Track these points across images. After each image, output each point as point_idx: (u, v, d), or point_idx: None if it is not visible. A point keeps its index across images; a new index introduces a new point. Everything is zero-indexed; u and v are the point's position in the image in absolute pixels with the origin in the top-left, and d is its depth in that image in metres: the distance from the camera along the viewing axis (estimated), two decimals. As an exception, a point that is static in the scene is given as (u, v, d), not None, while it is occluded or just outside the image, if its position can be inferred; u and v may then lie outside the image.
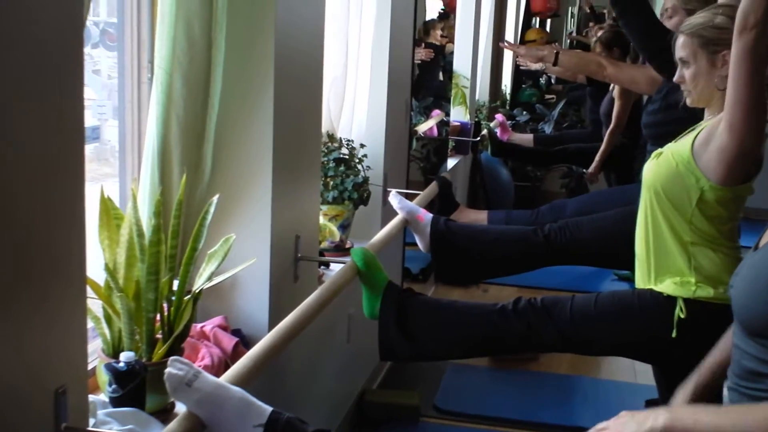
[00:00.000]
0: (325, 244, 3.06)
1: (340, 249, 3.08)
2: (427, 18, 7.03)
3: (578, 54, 5.11)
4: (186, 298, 1.90)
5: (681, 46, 2.39)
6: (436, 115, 5.31)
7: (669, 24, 3.13)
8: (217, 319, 2.26)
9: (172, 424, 1.55)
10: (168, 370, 1.60)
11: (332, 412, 3.32)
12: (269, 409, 1.66)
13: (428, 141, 5.21)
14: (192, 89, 2.07)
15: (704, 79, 2.34)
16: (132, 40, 2.20)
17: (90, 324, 1.78)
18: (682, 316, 2.25)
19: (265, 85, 2.25)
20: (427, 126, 5.09)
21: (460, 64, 6.24)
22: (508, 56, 8.43)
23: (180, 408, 1.81)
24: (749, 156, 2.19)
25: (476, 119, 6.29)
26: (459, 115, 6.03)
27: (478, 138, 6.10)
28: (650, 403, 3.56)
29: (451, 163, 5.53)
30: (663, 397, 2.63)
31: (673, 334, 2.27)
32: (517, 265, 3.17)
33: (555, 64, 3.95)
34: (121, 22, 2.19)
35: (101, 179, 2.44)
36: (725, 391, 1.68)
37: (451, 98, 5.91)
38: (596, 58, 3.99)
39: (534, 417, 3.74)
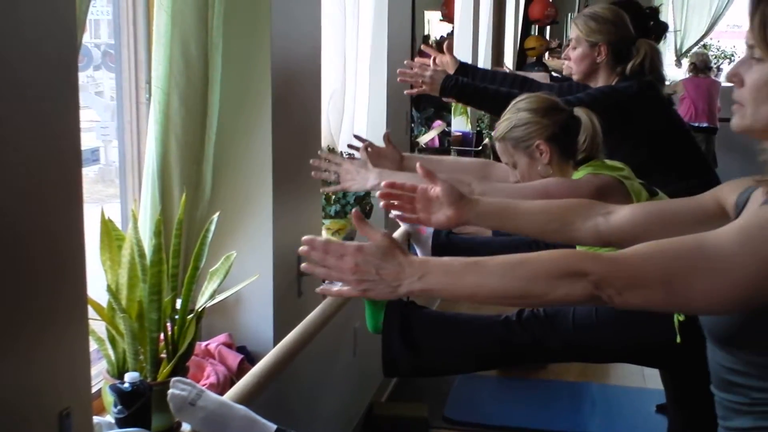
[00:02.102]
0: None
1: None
2: (432, 33, 7.06)
3: None
4: (189, 316, 1.90)
5: (500, 154, 2.55)
6: (438, 125, 5.31)
7: (572, 54, 3.14)
8: (222, 337, 2.26)
9: (177, 444, 1.55)
10: (171, 391, 1.60)
11: (341, 426, 3.32)
12: (273, 426, 1.66)
13: (430, 152, 5.21)
14: (190, 108, 2.07)
15: (530, 172, 2.48)
16: (129, 61, 2.20)
17: (94, 346, 1.79)
18: (681, 319, 2.25)
19: (262, 101, 2.26)
20: (428, 137, 5.10)
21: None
22: (508, 65, 8.43)
23: (186, 427, 1.81)
24: (609, 197, 2.23)
25: (478, 129, 6.29)
26: (460, 125, 6.03)
27: (480, 147, 6.11)
28: (661, 408, 3.55)
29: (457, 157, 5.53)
30: (670, 400, 2.62)
31: (677, 339, 2.27)
32: None
33: None
34: (118, 43, 2.20)
35: (106, 200, 2.45)
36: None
37: (452, 108, 5.91)
38: None
39: (544, 425, 3.73)
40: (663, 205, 1.86)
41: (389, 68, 3.64)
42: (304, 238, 1.50)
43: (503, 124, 2.54)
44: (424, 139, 5.03)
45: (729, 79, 1.53)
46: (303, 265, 1.52)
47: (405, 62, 3.21)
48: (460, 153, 5.81)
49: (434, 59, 3.27)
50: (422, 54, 3.59)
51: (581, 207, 1.90)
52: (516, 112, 2.51)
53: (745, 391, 1.48)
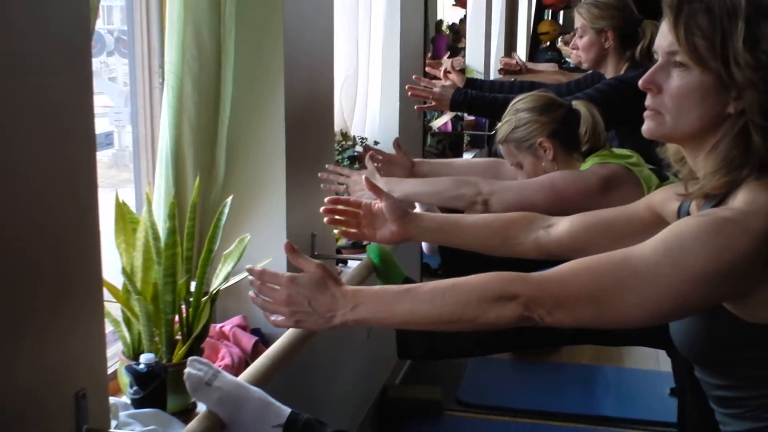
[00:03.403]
0: (342, 242, 3.07)
1: (358, 246, 3.09)
2: (445, 18, 7.04)
3: None
4: (203, 299, 1.91)
5: (505, 156, 2.61)
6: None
7: (580, 43, 3.15)
8: (236, 319, 2.28)
9: (193, 423, 1.57)
10: (187, 370, 1.61)
11: (355, 409, 3.34)
12: (288, 410, 1.68)
13: (443, 137, 5.21)
14: (203, 93, 2.08)
15: (536, 171, 2.51)
16: (142, 46, 2.22)
17: (110, 327, 1.81)
18: None
19: (275, 86, 2.27)
20: (441, 121, 5.09)
21: (473, 58, 6.24)
22: (520, 49, 8.41)
23: (201, 408, 1.83)
24: (617, 186, 2.31)
25: (491, 113, 6.28)
26: (474, 109, 6.02)
27: (493, 132, 6.09)
28: (675, 392, 3.55)
29: (467, 157, 5.53)
30: (680, 386, 2.62)
31: None
32: (528, 261, 3.17)
33: None
34: (131, 28, 2.21)
35: (120, 185, 2.46)
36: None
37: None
38: None
39: (557, 407, 3.74)
40: (600, 215, 1.88)
41: (402, 53, 3.64)
42: (248, 267, 1.57)
43: (504, 127, 2.56)
44: (437, 124, 5.02)
45: (644, 86, 1.51)
46: (250, 292, 1.58)
47: (413, 77, 3.22)
48: (473, 137, 5.81)
49: (445, 71, 3.28)
50: (428, 74, 3.61)
51: (524, 221, 1.94)
52: (515, 113, 2.54)
53: (740, 402, 1.50)
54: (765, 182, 1.40)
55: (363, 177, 2.44)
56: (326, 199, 1.95)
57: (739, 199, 1.40)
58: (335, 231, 1.98)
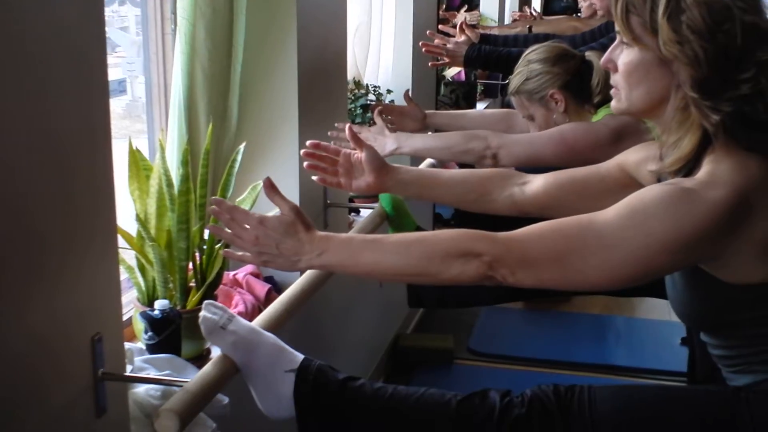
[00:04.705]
0: (355, 190, 3.06)
1: (370, 195, 3.09)
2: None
3: None
4: (217, 246, 1.92)
5: (517, 108, 2.61)
6: (464, 59, 5.25)
7: None
8: (250, 267, 2.29)
9: (207, 366, 1.58)
10: (202, 313, 1.62)
11: (367, 357, 3.36)
12: (301, 356, 1.69)
13: (457, 86, 5.17)
14: (215, 39, 2.07)
15: (548, 123, 2.50)
16: (154, -8, 2.20)
17: (125, 275, 1.82)
18: None
19: (288, 32, 2.26)
20: (454, 71, 5.06)
21: (488, 6, 6.18)
22: (535, 7, 8.31)
23: (215, 353, 1.85)
24: (627, 138, 2.26)
25: (505, 62, 6.22)
26: (487, 58, 5.97)
27: (507, 81, 6.04)
28: (686, 341, 3.57)
29: (480, 107, 5.51)
30: (691, 336, 2.63)
31: None
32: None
33: None
34: (142, -26, 2.19)
35: (134, 136, 2.46)
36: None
37: (479, 42, 5.85)
38: None
39: (568, 357, 3.77)
40: (573, 173, 1.88)
41: (416, 2, 3.61)
42: (213, 198, 1.56)
43: (516, 78, 2.55)
44: (450, 73, 4.99)
45: (604, 65, 1.57)
46: (209, 225, 1.57)
47: (428, 32, 3.19)
48: (487, 87, 5.77)
49: (461, 25, 3.25)
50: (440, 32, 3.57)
51: (499, 177, 1.93)
52: (527, 65, 2.52)
53: (740, 359, 1.53)
54: (723, 152, 1.42)
55: (375, 132, 2.43)
56: (307, 143, 1.94)
57: (702, 171, 1.42)
58: (314, 178, 1.98)
